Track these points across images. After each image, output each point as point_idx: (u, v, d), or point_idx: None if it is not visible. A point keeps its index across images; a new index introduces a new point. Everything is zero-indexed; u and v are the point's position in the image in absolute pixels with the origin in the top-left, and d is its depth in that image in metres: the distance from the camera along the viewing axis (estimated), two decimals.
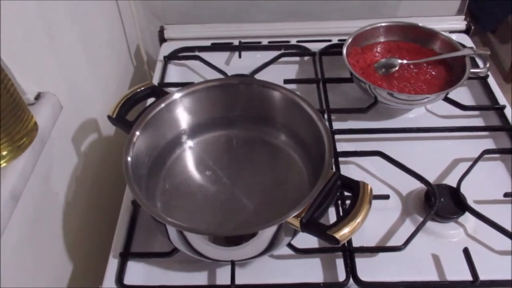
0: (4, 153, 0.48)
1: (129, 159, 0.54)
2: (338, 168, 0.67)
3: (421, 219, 0.60)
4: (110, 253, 0.59)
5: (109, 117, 0.60)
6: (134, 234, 0.61)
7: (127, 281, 0.56)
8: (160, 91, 0.63)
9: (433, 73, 0.76)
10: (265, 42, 0.91)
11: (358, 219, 0.47)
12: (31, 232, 0.55)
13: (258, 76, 0.80)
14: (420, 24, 0.81)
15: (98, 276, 0.58)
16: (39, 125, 0.52)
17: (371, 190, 0.50)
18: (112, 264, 0.58)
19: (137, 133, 0.57)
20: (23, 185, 0.49)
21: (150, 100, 0.65)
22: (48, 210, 0.60)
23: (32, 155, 0.51)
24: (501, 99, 0.77)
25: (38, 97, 0.56)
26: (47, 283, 0.59)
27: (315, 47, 0.89)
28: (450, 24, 0.92)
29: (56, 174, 0.62)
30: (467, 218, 0.61)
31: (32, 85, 0.55)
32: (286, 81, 0.78)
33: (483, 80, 0.80)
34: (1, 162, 0.48)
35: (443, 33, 0.79)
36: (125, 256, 0.58)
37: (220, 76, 0.80)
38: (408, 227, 0.61)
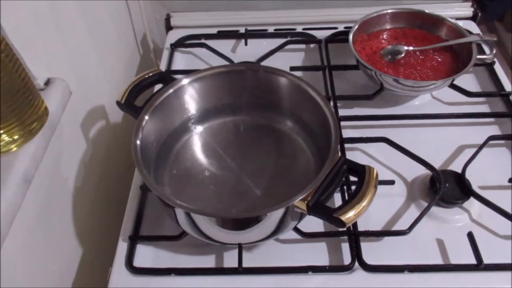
0: (15, 137, 0.49)
1: (138, 142, 0.55)
2: (344, 154, 0.67)
3: (426, 204, 0.61)
4: (119, 236, 0.60)
5: (118, 103, 0.60)
6: (143, 218, 0.62)
7: (136, 263, 0.57)
8: (167, 77, 0.64)
9: (439, 59, 0.76)
10: (271, 29, 0.91)
11: (364, 203, 0.48)
12: (42, 216, 0.56)
13: (264, 64, 0.80)
14: (427, 11, 0.81)
15: (108, 259, 0.59)
16: (49, 110, 0.53)
17: (377, 174, 0.50)
18: (122, 247, 0.59)
19: (146, 117, 0.58)
20: (34, 169, 0.50)
21: (157, 87, 0.65)
22: (58, 195, 0.61)
23: (43, 139, 0.52)
24: (507, 86, 0.77)
25: (48, 82, 0.57)
26: (58, 266, 0.61)
27: (321, 34, 0.89)
28: (457, 11, 0.92)
29: (65, 159, 0.63)
30: (472, 203, 0.61)
31: (42, 70, 0.56)
32: (292, 69, 0.78)
33: (489, 66, 0.80)
34: (13, 146, 0.49)
35: (449, 19, 0.79)
36: (134, 239, 0.59)
37: (226, 63, 0.81)
38: (413, 212, 0.62)
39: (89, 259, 0.69)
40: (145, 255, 0.59)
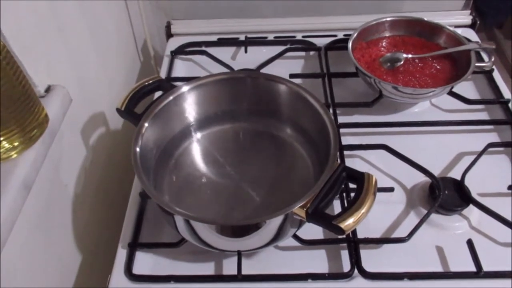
0: (16, 144, 0.49)
1: (137, 149, 0.55)
2: (343, 161, 0.67)
3: (425, 211, 0.61)
4: (119, 243, 0.60)
5: (118, 110, 0.61)
6: (142, 225, 0.62)
7: (135, 270, 0.57)
8: (167, 85, 0.64)
9: (438, 67, 0.76)
10: (271, 37, 0.92)
11: (363, 210, 0.48)
12: (42, 222, 0.56)
13: (264, 71, 0.80)
14: (426, 19, 0.81)
15: (107, 266, 0.59)
16: (49, 117, 0.53)
17: (375, 181, 0.50)
18: (121, 254, 0.59)
19: (146, 124, 0.58)
20: (34, 175, 0.50)
21: (157, 94, 0.66)
22: (57, 201, 0.61)
23: (43, 146, 0.52)
24: (506, 93, 0.77)
25: (48, 89, 0.57)
26: (57, 272, 0.61)
27: (321, 42, 0.89)
28: (456, 19, 0.93)
29: (65, 166, 0.63)
30: (471, 211, 0.61)
31: (42, 77, 0.56)
32: (292, 76, 0.79)
33: (488, 74, 0.81)
34: (13, 153, 0.49)
35: (448, 27, 0.80)
36: (134, 246, 0.59)
37: (226, 71, 0.81)
38: (412, 219, 0.62)
39: (88, 266, 0.69)
40: (144, 262, 0.59)
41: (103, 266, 0.63)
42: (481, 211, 0.60)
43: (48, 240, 0.58)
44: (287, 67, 0.85)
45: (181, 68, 0.88)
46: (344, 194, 0.63)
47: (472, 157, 0.66)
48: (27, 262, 0.53)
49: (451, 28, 0.79)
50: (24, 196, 0.48)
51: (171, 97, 0.62)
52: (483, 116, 0.76)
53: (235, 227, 0.52)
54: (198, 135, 0.67)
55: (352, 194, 0.60)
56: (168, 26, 0.94)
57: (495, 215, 0.59)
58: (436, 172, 0.65)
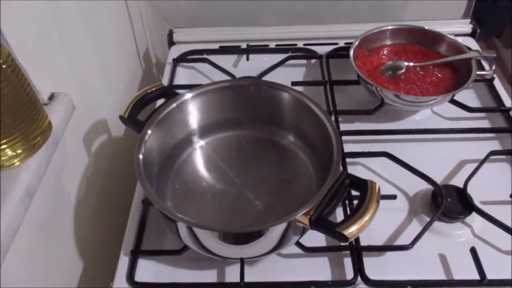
0: (19, 151, 0.49)
1: (141, 156, 0.55)
2: (345, 169, 0.67)
3: (428, 219, 0.61)
4: (121, 250, 0.60)
5: (121, 117, 0.61)
6: (145, 232, 0.62)
7: (138, 278, 0.57)
8: (170, 92, 0.64)
9: (439, 75, 0.76)
10: (272, 45, 0.92)
11: (366, 217, 0.48)
12: (44, 229, 0.56)
13: (265, 79, 0.81)
14: (426, 27, 0.82)
15: (108, 273, 0.59)
16: (52, 125, 0.54)
17: (379, 189, 0.50)
18: (123, 262, 0.59)
19: (149, 131, 0.58)
20: (37, 183, 0.51)
21: (160, 102, 0.66)
22: (60, 209, 0.61)
23: (46, 154, 0.52)
24: (507, 101, 0.77)
25: (51, 97, 0.57)
26: (59, 279, 0.61)
27: (322, 50, 0.90)
28: (456, 28, 0.93)
29: (67, 173, 0.63)
30: (474, 218, 0.61)
31: (46, 85, 0.56)
32: (294, 84, 0.79)
33: (489, 82, 0.81)
34: (16, 160, 0.49)
35: (449, 35, 0.80)
36: (136, 253, 0.59)
37: (228, 78, 0.81)
38: (415, 227, 0.62)
39: (90, 273, 0.69)
40: (147, 269, 0.59)
41: (105, 274, 0.63)
42: (484, 219, 0.60)
43: (50, 248, 0.58)
44: (288, 75, 0.85)
45: (183, 75, 0.88)
46: (347, 202, 0.63)
47: (474, 165, 0.66)
48: (29, 269, 0.53)
49: (452, 37, 0.80)
50: (26, 204, 0.48)
51: (174, 105, 0.62)
52: (485, 124, 0.76)
53: (238, 234, 0.52)
54: (200, 142, 0.68)
55: (355, 202, 0.61)
56: (170, 34, 0.94)
57: (498, 223, 0.59)
58: (438, 179, 0.65)
